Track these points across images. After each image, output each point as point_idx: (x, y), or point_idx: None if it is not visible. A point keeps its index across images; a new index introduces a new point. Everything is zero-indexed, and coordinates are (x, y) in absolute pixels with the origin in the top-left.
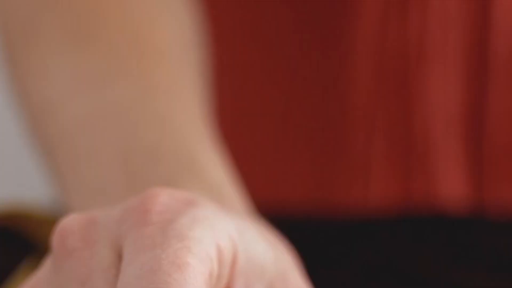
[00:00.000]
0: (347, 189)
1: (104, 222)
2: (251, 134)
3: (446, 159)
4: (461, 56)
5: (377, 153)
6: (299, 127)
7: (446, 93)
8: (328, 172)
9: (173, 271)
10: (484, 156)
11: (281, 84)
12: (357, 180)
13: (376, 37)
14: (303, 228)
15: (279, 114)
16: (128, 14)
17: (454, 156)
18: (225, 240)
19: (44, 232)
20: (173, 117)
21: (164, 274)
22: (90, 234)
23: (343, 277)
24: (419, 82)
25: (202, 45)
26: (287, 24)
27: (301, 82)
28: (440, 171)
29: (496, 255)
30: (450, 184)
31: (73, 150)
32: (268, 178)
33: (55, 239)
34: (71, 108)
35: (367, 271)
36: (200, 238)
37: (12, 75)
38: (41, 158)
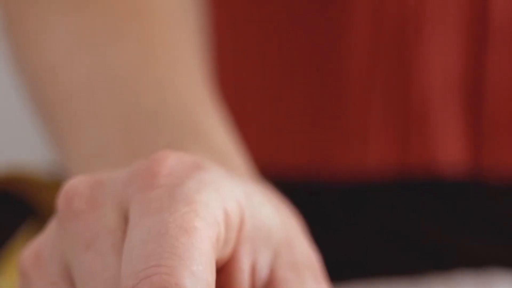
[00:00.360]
0: (345, 154)
1: (111, 184)
2: (249, 99)
3: (445, 124)
4: (460, 22)
5: (375, 118)
6: (297, 92)
7: (444, 58)
8: (326, 137)
9: (180, 235)
10: (483, 121)
11: (279, 50)
12: (355, 145)
13: (374, 1)
14: (300, 192)
15: (277, 79)
16: None
17: (452, 121)
18: (232, 204)
19: (44, 196)
20: (174, 79)
21: (171, 238)
22: (96, 197)
23: (340, 241)
24: (417, 47)
25: (202, 10)
26: None
27: (299, 47)
28: (439, 136)
29: (493, 219)
30: (448, 149)
31: (73, 114)
32: (266, 142)
33: (61, 201)
34: (70, 71)
35: (364, 235)
36: (208, 201)
37: (10, 37)
38: (41, 122)
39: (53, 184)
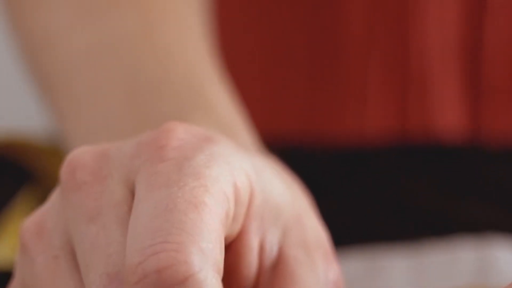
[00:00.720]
0: (343, 118)
1: (117, 156)
2: (246, 64)
3: (443, 88)
4: None
5: (373, 82)
6: (295, 57)
7: (443, 21)
8: (324, 101)
9: (189, 211)
10: (481, 85)
11: (276, 14)
12: (353, 110)
13: None
14: (297, 157)
15: (274, 44)
16: None
17: (450, 85)
18: (242, 179)
19: (42, 162)
20: (178, 49)
21: (179, 213)
22: (101, 168)
23: (337, 206)
24: (416, 11)
25: None
26: None
27: (296, 11)
28: (437, 100)
29: (492, 184)
30: (447, 113)
31: (74, 85)
32: (263, 107)
33: (64, 171)
34: (69, 41)
35: (361, 200)
36: (218, 176)
37: (8, 4)
38: (39, 90)
39: (52, 150)
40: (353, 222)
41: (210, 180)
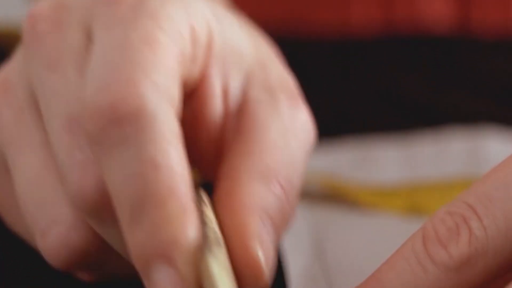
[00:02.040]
0: (328, 10)
1: (75, 5)
2: None
3: None
4: None
5: None
6: None
7: None
8: None
9: (144, 48)
10: None
11: None
12: (339, 1)
13: None
14: (284, 49)
15: None
16: None
17: None
18: (200, 21)
19: None
20: None
21: (133, 50)
22: (60, 18)
23: (326, 98)
24: None
25: None
26: None
27: None
28: None
29: (481, 74)
30: (435, 3)
31: None
32: None
33: (25, 26)
34: None
35: (350, 92)
36: (172, 16)
37: None
38: None
39: None
40: (343, 113)
41: (164, 19)
